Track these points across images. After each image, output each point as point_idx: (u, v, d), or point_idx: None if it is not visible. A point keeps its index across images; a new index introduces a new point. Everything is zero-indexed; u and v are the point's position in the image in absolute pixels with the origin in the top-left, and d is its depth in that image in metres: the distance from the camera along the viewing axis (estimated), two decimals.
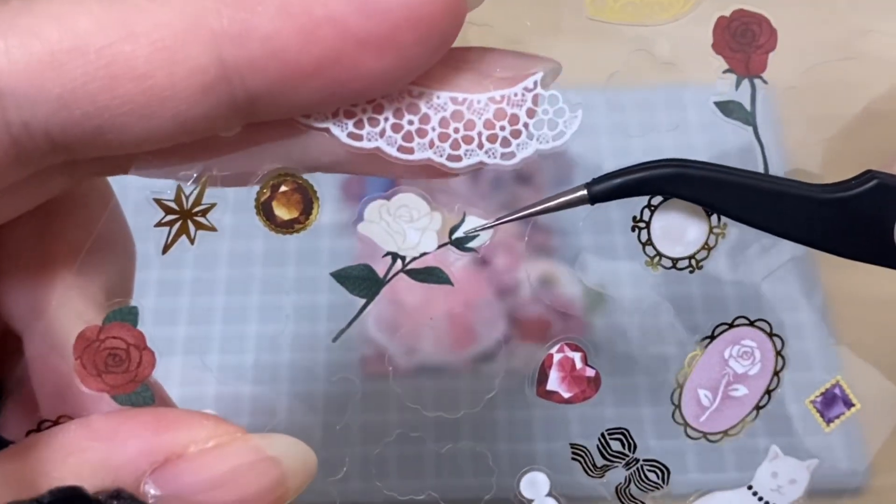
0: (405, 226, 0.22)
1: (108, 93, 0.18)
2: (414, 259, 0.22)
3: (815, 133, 0.26)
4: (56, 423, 0.22)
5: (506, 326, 0.48)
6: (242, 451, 0.20)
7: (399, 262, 0.22)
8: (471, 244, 0.22)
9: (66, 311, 0.23)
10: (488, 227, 0.22)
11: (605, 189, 0.22)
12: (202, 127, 0.19)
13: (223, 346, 0.47)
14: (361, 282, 0.22)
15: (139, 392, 0.21)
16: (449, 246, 0.22)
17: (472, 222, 0.22)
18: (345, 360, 0.45)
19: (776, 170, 0.23)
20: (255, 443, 0.20)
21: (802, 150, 0.26)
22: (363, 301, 0.23)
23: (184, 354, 0.43)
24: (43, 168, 0.19)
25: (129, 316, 0.21)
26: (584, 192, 0.22)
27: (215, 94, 0.18)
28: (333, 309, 0.46)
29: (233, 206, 0.22)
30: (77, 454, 0.19)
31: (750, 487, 0.26)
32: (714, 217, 0.23)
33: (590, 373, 0.24)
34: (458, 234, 0.22)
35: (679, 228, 0.23)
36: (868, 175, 0.22)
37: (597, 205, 0.22)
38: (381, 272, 0.22)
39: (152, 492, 0.19)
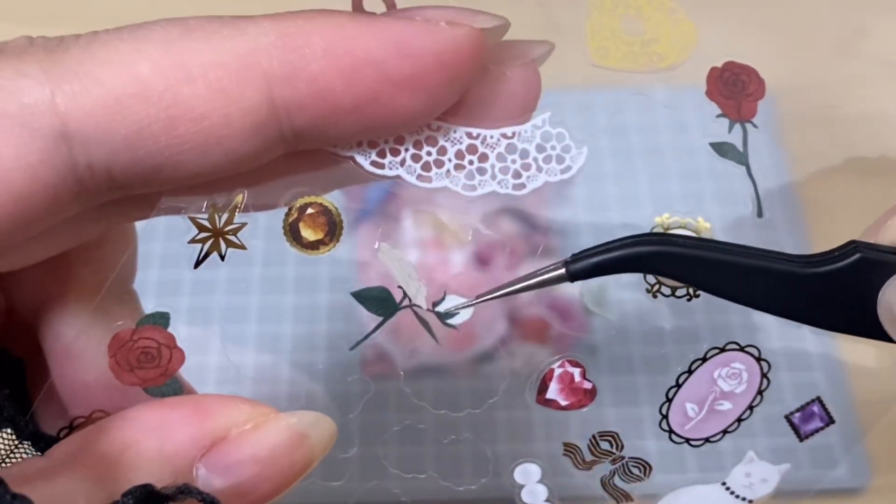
0: (408, 277, 0.25)
1: (168, 133, 0.20)
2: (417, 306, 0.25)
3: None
4: (90, 419, 0.24)
5: (506, 327, 0.50)
6: (277, 430, 0.22)
7: (408, 298, 0.25)
8: (451, 321, 0.25)
9: (90, 310, 0.25)
10: (467, 307, 0.25)
11: (583, 268, 0.23)
12: (251, 161, 0.21)
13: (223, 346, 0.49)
14: (380, 302, 0.25)
15: (169, 384, 0.24)
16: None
17: (451, 301, 0.25)
18: (345, 361, 0.47)
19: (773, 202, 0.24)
20: (287, 421, 0.23)
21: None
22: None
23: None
24: (93, 206, 0.21)
25: (161, 320, 0.24)
26: (563, 270, 0.23)
27: (265, 131, 0.20)
28: (333, 310, 0.48)
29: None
30: (133, 447, 0.21)
31: (724, 483, 0.28)
32: None
33: (587, 385, 0.26)
34: (439, 309, 0.25)
35: None
36: (852, 247, 0.23)
37: (595, 203, 0.24)
38: (396, 297, 0.25)
39: (204, 474, 0.21)
